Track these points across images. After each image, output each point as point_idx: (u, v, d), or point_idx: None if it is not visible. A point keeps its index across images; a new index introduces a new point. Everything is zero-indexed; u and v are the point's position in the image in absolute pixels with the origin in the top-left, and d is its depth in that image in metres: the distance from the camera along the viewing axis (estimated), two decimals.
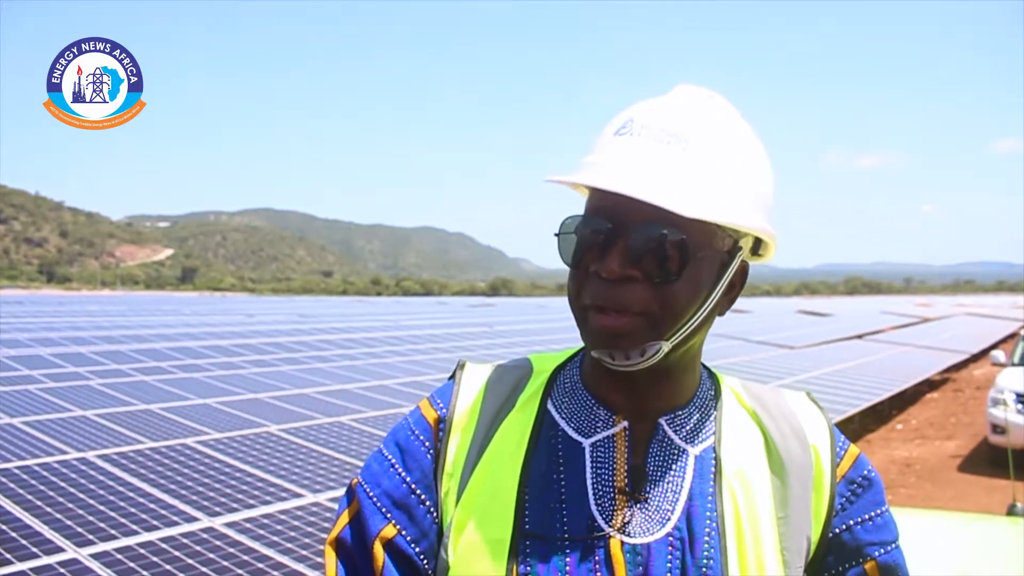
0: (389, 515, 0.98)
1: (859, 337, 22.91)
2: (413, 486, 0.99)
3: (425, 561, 0.97)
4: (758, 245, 0.99)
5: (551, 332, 21.23)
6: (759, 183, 0.94)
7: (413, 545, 0.97)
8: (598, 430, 0.98)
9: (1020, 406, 9.89)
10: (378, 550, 0.97)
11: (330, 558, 1.01)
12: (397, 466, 1.00)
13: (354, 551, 0.99)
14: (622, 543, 0.92)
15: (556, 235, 0.96)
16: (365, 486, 1.01)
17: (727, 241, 0.93)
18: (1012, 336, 26.11)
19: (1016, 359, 11.65)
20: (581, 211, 0.95)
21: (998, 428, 9.65)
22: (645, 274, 0.88)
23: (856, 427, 12.10)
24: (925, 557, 2.35)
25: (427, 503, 0.99)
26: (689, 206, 0.85)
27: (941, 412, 14.29)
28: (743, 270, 0.98)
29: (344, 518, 1.02)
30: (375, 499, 0.99)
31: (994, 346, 21.84)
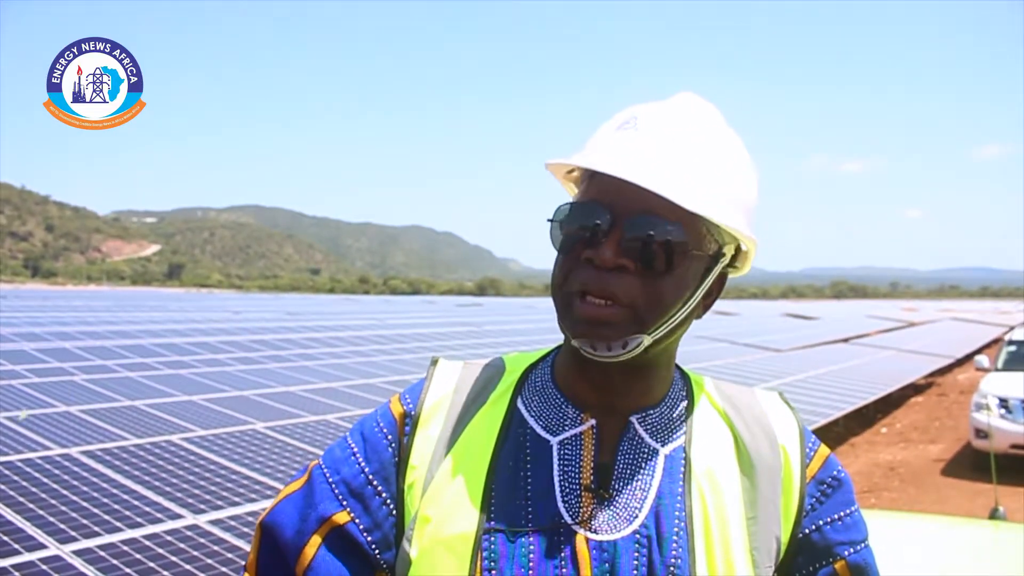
0: (344, 502, 0.99)
1: (845, 340, 23.03)
2: (371, 477, 1.00)
3: (377, 551, 0.98)
4: (735, 258, 1.01)
5: (539, 332, 21.23)
6: (748, 196, 0.97)
7: (366, 534, 0.98)
8: (566, 428, 0.99)
9: (1003, 411, 9.97)
10: (315, 539, 0.97)
11: (254, 543, 1.03)
12: (358, 455, 1.02)
13: (289, 531, 0.99)
14: (588, 540, 0.93)
15: (549, 221, 0.97)
16: (324, 470, 1.02)
17: (712, 246, 0.96)
18: (996, 341, 26.30)
19: (1000, 364, 11.74)
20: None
21: (981, 433, 9.72)
22: (637, 265, 0.90)
23: (841, 430, 12.16)
24: (907, 560, 2.36)
25: (383, 495, 0.99)
26: (691, 200, 0.88)
27: (925, 416, 14.37)
28: (722, 278, 1.01)
29: (288, 490, 1.03)
30: (333, 485, 1.00)
31: (978, 351, 21.97)
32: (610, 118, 0.99)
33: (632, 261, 0.90)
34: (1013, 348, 12.18)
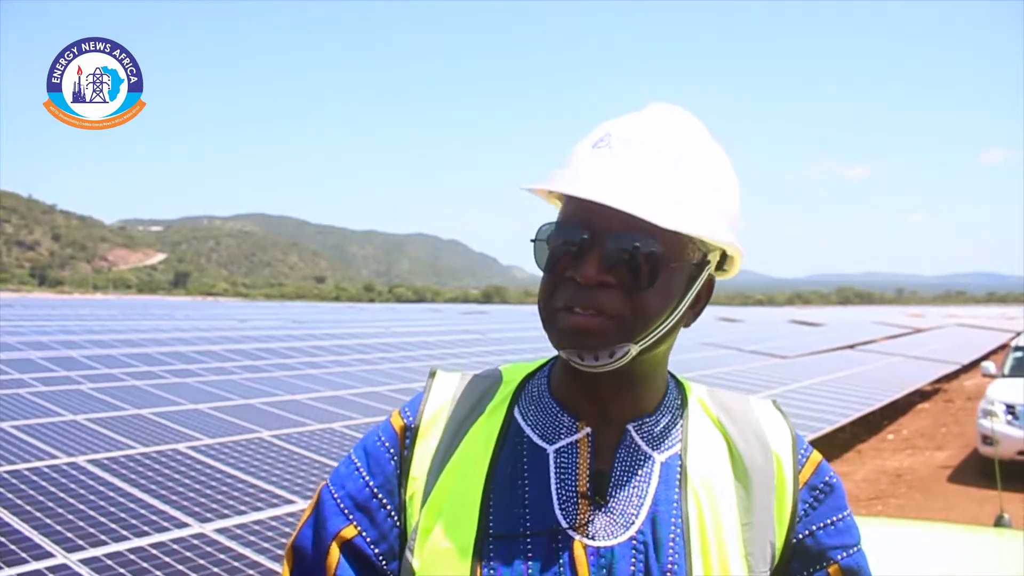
0: (351, 516, 1.01)
1: (851, 347, 22.98)
2: (375, 490, 1.02)
3: (384, 562, 1.00)
4: (722, 261, 1.03)
5: (544, 340, 21.05)
6: (728, 201, 0.98)
7: (373, 546, 1.00)
8: (562, 436, 1.01)
9: (1010, 417, 9.94)
10: (334, 550, 1.00)
11: (285, 569, 1.05)
12: (362, 470, 1.04)
13: (310, 553, 1.02)
14: (585, 546, 0.95)
15: (532, 241, 0.99)
16: (331, 488, 1.05)
17: (696, 254, 0.97)
18: (1003, 347, 26.21)
19: (1006, 370, 11.70)
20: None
21: (988, 439, 9.69)
22: (619, 281, 0.91)
23: (847, 437, 12.14)
24: (911, 568, 2.36)
25: (388, 507, 1.01)
26: (665, 217, 0.89)
27: (932, 423, 14.33)
28: (709, 284, 1.02)
29: (305, 515, 1.06)
30: (339, 500, 1.03)
31: (985, 357, 21.90)
32: (586, 135, 0.99)
33: (614, 276, 0.91)
34: (1019, 354, 12.13)
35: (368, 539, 1.00)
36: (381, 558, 1.00)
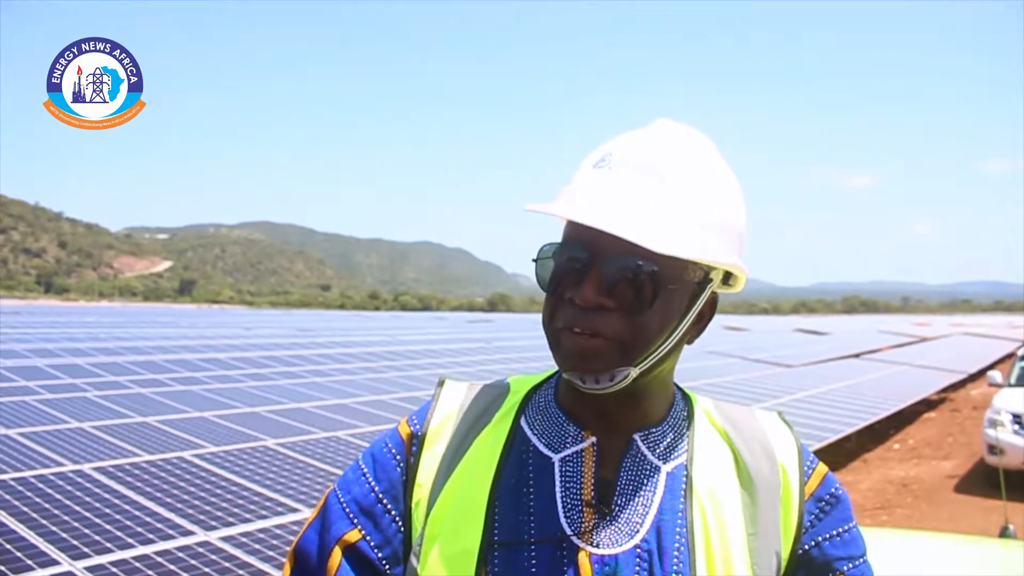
0: (355, 520, 1.03)
1: (856, 356, 22.92)
2: (380, 495, 1.03)
3: (387, 567, 1.01)
4: (728, 276, 1.03)
5: (549, 348, 21.12)
6: (732, 218, 0.98)
7: (376, 551, 1.01)
8: (568, 445, 1.02)
9: (1016, 427, 9.89)
10: (336, 554, 1.01)
11: (286, 569, 1.07)
12: (368, 475, 1.05)
13: (313, 555, 1.03)
14: (590, 554, 0.95)
15: (534, 261, 1.00)
16: (338, 492, 1.06)
17: (698, 273, 0.97)
18: (1009, 356, 26.10)
19: (1012, 380, 11.65)
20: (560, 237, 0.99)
21: (994, 449, 9.65)
22: (618, 303, 0.92)
23: (853, 446, 12.09)
24: None
25: (393, 513, 1.03)
26: (662, 242, 0.89)
27: (938, 432, 14.27)
28: (712, 301, 1.02)
29: (311, 518, 1.07)
30: (344, 504, 1.04)
31: (991, 366, 21.79)
32: (589, 153, 1.00)
33: (612, 299, 0.92)
34: None
35: (372, 543, 1.01)
36: (385, 563, 1.01)
